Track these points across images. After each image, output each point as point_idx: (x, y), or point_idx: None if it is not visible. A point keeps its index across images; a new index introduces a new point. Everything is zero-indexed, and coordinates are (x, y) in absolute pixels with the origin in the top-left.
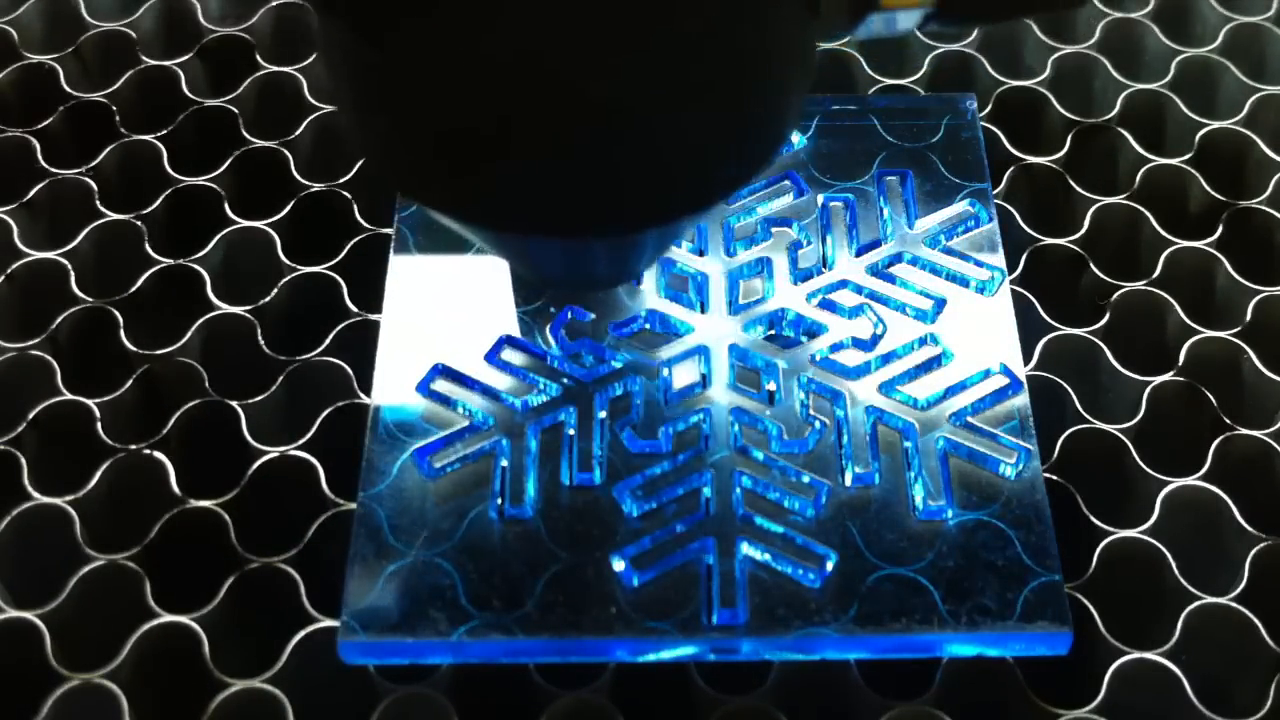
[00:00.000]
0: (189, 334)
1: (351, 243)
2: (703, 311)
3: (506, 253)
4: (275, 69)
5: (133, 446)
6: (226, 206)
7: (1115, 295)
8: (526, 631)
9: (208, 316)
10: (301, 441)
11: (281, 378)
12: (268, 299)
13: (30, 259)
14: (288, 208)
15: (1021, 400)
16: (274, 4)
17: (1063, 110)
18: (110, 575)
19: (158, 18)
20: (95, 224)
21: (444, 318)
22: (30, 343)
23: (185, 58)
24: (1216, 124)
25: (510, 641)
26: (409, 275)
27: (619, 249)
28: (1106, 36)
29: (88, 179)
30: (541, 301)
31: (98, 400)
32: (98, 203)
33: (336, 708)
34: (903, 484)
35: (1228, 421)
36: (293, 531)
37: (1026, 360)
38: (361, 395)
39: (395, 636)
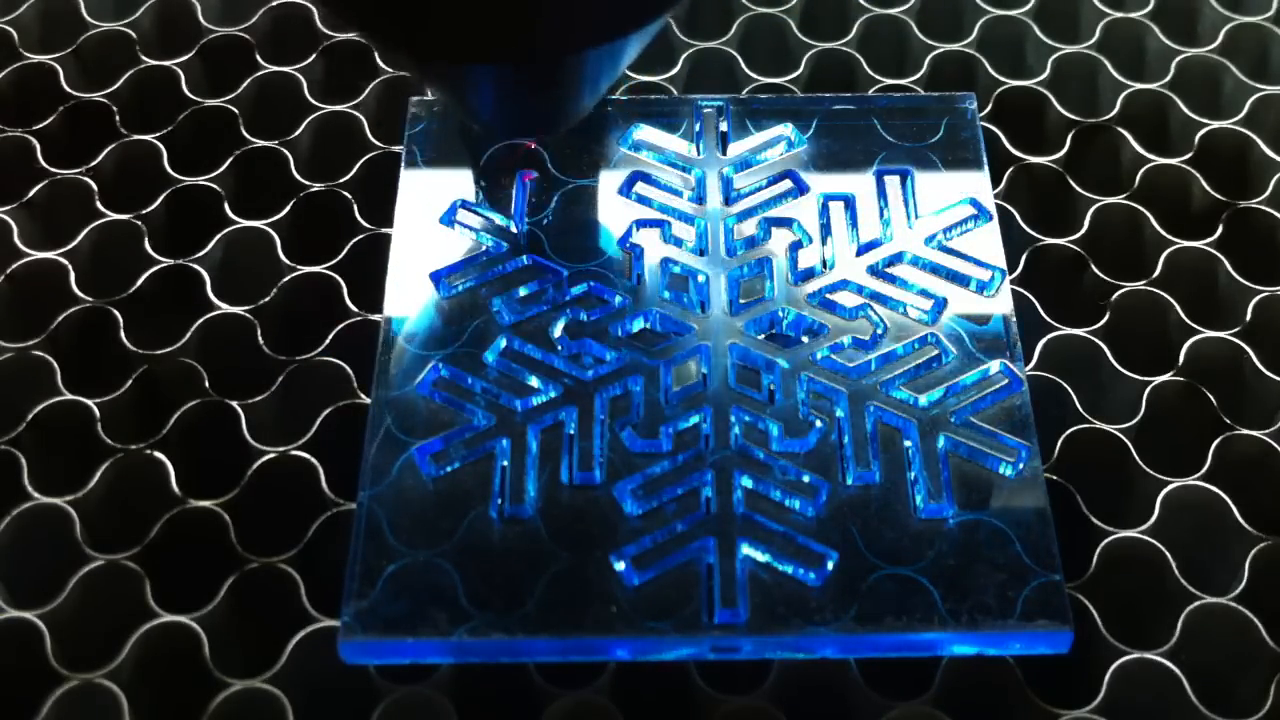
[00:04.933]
0: (189, 334)
1: (351, 243)
2: (703, 311)
3: (442, 89)
4: (275, 69)
5: (133, 446)
6: (226, 206)
7: (1115, 295)
8: (526, 631)
9: (208, 316)
10: (301, 441)
11: (281, 378)
12: (268, 299)
13: (30, 259)
14: (288, 208)
15: (1022, 400)
16: (274, 4)
17: (1063, 110)
18: (110, 575)
19: (158, 18)
20: (95, 224)
21: (445, 317)
22: (30, 343)
23: (185, 58)
24: (1217, 124)
25: (510, 641)
26: (410, 274)
27: (555, 82)
28: (1106, 36)
29: (88, 179)
30: (544, 300)
31: (98, 400)
32: (98, 203)
33: (336, 708)
34: (903, 483)
35: (1228, 421)
36: (293, 531)
37: (1026, 360)
38: (361, 395)
39: (395, 636)
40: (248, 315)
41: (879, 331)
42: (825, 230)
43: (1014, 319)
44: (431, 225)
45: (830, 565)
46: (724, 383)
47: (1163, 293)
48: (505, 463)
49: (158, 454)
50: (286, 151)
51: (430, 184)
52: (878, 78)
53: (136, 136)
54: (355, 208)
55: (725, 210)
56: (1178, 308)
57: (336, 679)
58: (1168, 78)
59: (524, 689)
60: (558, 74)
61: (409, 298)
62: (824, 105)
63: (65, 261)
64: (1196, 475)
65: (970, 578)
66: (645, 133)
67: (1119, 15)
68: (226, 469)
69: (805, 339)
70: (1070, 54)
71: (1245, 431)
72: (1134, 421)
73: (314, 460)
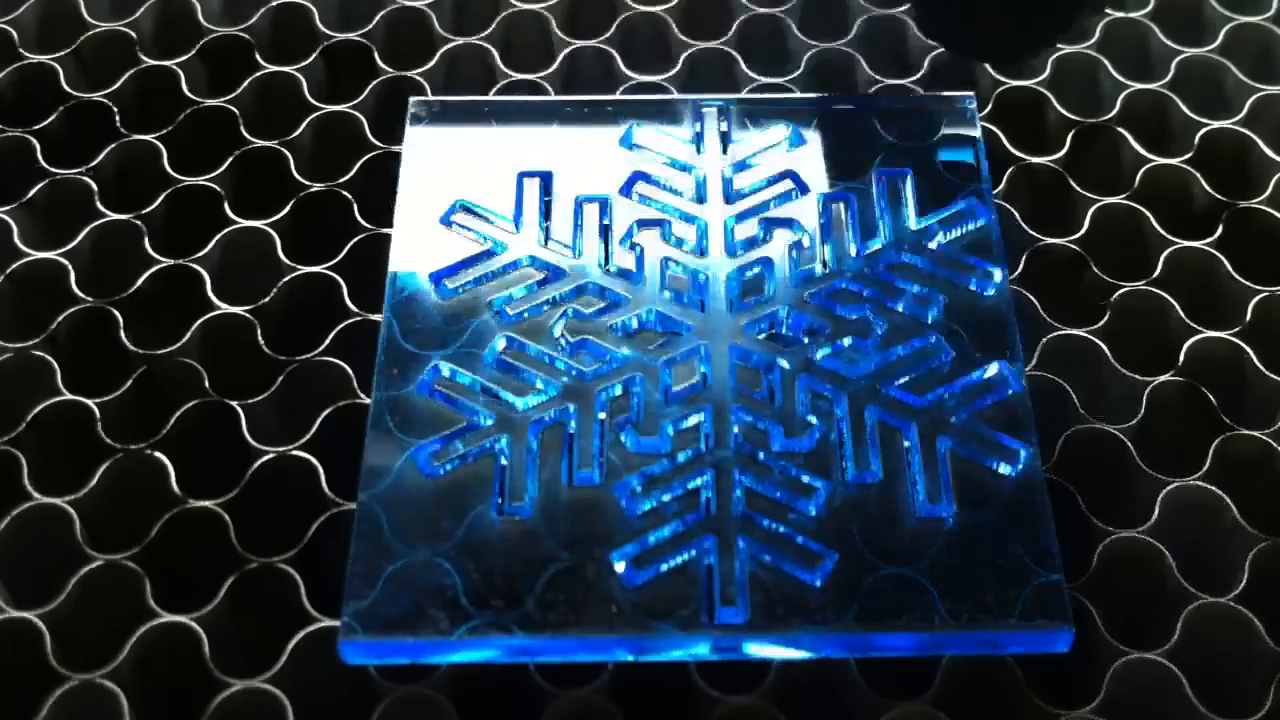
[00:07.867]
0: (189, 334)
1: (351, 243)
2: (703, 311)
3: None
4: (275, 69)
5: (133, 446)
6: (226, 206)
7: (1115, 295)
8: (526, 631)
9: (208, 316)
10: (301, 441)
11: (281, 378)
12: (268, 299)
13: (30, 259)
14: (287, 208)
15: (1022, 400)
16: (274, 4)
17: (1063, 110)
18: (110, 575)
19: (158, 18)
20: (95, 224)
21: (445, 317)
22: (30, 343)
23: (185, 58)
24: (1217, 124)
25: (510, 641)
26: (410, 274)
27: None
28: (1106, 36)
29: (87, 179)
30: (544, 300)
31: (98, 400)
32: (97, 203)
33: (336, 708)
34: (903, 483)
35: (1228, 421)
36: (293, 531)
37: (1026, 360)
38: (361, 395)
39: (395, 636)
40: (248, 315)
41: (879, 331)
42: (825, 230)
43: (1014, 321)
44: (431, 225)
45: (830, 565)
46: (724, 383)
47: (1163, 293)
48: (505, 461)
49: (158, 454)
50: (286, 151)
51: (430, 184)
52: (878, 78)
53: (136, 136)
54: (355, 208)
55: (726, 210)
56: (1178, 308)
57: (336, 679)
58: (1168, 78)
59: (524, 689)
60: None
61: (409, 298)
62: (824, 105)
63: (65, 261)
64: (1196, 475)
65: (970, 578)
66: (645, 133)
67: (1119, 15)
68: (226, 469)
69: (805, 339)
70: (1070, 54)
71: (1245, 431)
72: (1134, 421)
73: (314, 460)
